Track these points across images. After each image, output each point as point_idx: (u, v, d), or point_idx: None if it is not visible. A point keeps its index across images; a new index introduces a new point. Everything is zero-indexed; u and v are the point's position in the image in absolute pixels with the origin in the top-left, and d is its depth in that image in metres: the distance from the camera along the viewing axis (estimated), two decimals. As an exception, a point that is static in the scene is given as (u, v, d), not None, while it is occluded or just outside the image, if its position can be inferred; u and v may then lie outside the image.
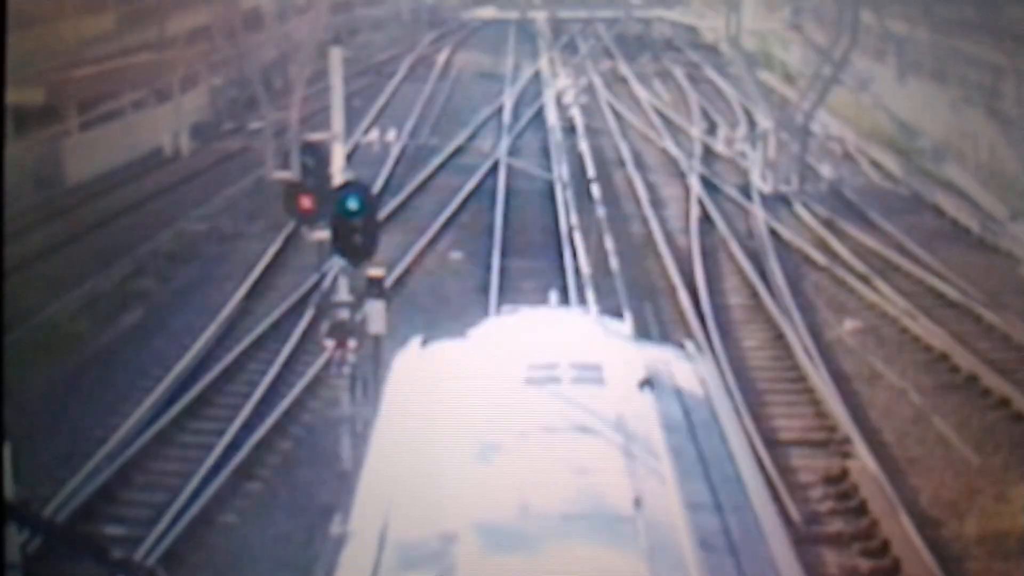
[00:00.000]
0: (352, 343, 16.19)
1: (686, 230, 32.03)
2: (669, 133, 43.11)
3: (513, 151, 40.58)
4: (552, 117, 45.12)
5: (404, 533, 8.35)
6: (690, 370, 10.79)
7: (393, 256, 27.29)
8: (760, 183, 35.05)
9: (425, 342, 11.70)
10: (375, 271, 16.19)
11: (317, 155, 17.01)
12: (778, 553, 8.36)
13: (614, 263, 27.42)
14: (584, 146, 40.72)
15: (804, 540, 16.84)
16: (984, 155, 36.83)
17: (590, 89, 50.79)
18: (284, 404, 21.44)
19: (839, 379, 22.67)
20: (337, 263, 16.07)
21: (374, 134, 31.33)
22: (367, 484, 9.28)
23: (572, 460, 8.65)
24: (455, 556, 7.79)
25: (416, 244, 29.91)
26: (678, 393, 10.13)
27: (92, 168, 36.68)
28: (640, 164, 39.35)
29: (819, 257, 29.94)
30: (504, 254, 29.36)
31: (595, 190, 33.48)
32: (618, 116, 46.58)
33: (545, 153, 40.56)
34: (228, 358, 23.47)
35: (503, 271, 28.11)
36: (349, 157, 19.28)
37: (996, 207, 33.47)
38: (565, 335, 11.41)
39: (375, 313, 16.10)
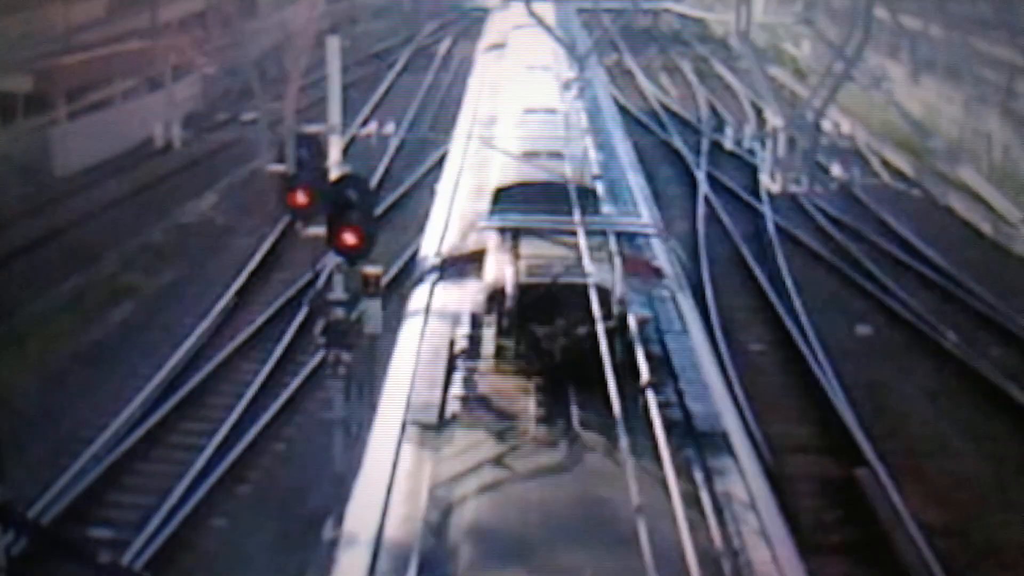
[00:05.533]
0: (347, 343, 15.54)
1: (692, 230, 31.43)
2: (676, 129, 42.54)
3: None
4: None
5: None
6: None
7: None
8: (769, 182, 34.42)
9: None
10: (372, 269, 15.53)
11: (313, 148, 16.53)
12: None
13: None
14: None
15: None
16: (998, 156, 36.44)
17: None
18: (276, 405, 21.20)
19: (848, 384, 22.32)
20: (333, 260, 15.48)
21: (372, 127, 30.73)
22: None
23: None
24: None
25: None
26: None
27: (81, 159, 36.27)
28: (644, 160, 38.65)
29: (830, 259, 29.67)
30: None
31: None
32: (623, 110, 45.86)
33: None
34: (219, 356, 23.21)
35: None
36: (346, 150, 18.68)
37: (1010, 209, 33.07)
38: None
39: (371, 312, 15.49)
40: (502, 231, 12.90)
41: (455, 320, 11.83)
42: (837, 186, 32.33)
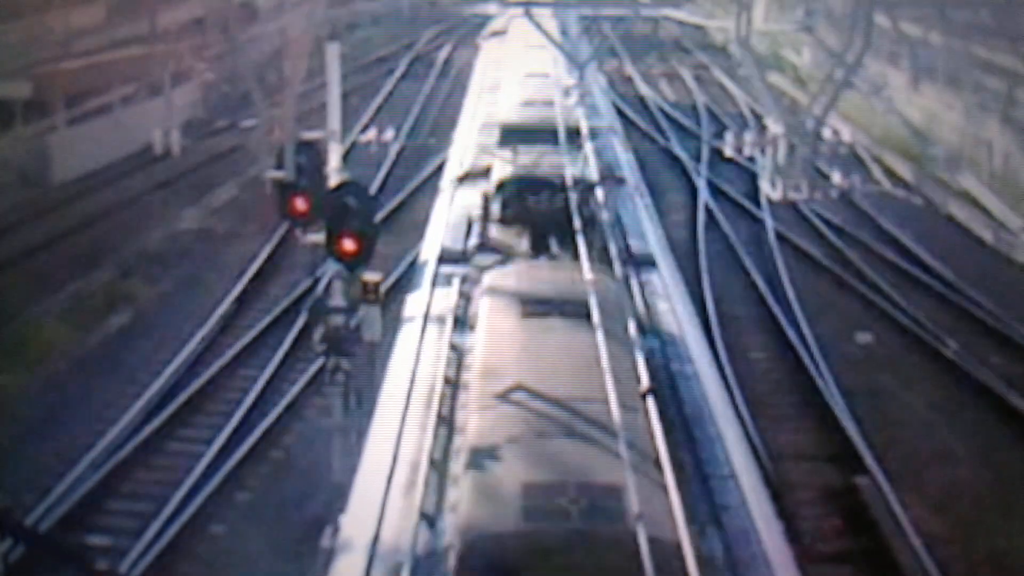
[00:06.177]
0: (346, 350, 15.50)
1: (693, 237, 31.40)
2: (676, 136, 42.50)
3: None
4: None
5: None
6: None
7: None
8: (769, 189, 34.38)
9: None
10: (371, 276, 15.47)
11: (312, 154, 16.46)
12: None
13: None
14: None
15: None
16: (999, 163, 36.39)
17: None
18: (275, 412, 21.20)
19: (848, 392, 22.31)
20: (332, 267, 15.41)
21: (371, 133, 30.72)
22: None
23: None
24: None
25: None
26: None
27: (80, 165, 36.21)
28: (644, 168, 38.63)
29: (830, 266, 29.64)
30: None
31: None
32: (623, 116, 45.85)
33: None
34: (218, 364, 23.18)
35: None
36: (345, 157, 18.63)
37: (1010, 217, 33.02)
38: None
39: (370, 319, 15.43)
40: (506, 148, 18.55)
41: (472, 202, 16.80)
42: (837, 193, 32.31)
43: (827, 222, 33.05)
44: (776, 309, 26.30)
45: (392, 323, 14.22)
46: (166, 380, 22.34)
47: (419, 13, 67.64)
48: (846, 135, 39.58)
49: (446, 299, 13.41)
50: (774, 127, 35.84)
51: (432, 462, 9.46)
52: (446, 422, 10.25)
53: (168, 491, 18.42)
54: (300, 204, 15.93)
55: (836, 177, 35.20)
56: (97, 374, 22.92)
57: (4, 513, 7.56)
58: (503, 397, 9.96)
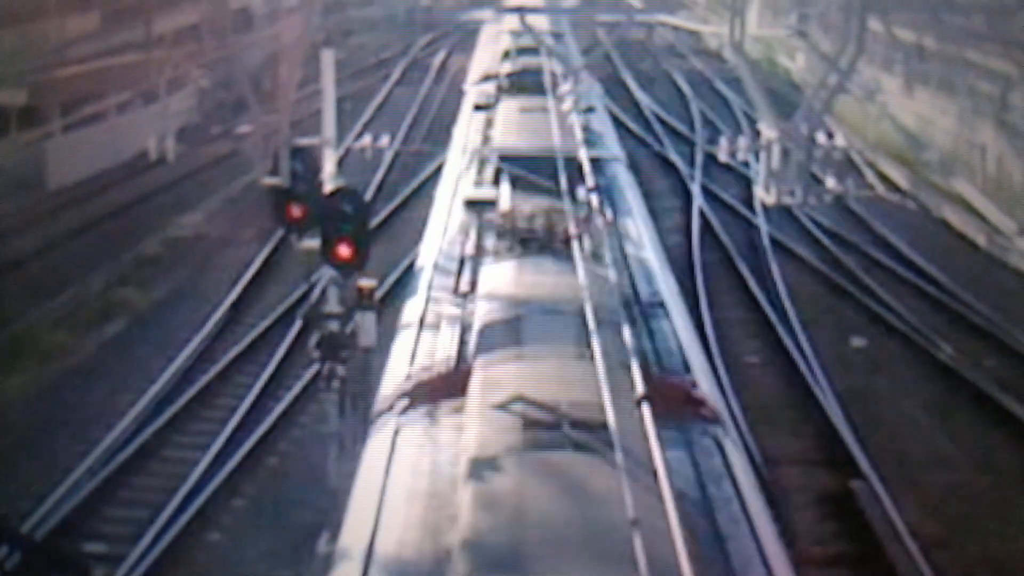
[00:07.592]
0: (342, 356, 15.49)
1: (687, 243, 31.40)
2: (670, 141, 42.51)
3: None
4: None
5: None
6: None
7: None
8: (763, 194, 34.38)
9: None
10: (366, 282, 15.47)
11: (307, 161, 16.48)
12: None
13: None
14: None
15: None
16: (992, 167, 36.41)
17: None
18: (271, 418, 21.18)
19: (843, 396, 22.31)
20: (327, 273, 15.41)
21: (366, 140, 30.75)
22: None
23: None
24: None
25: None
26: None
27: (75, 172, 36.13)
28: (638, 171, 38.62)
29: (825, 270, 29.65)
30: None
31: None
32: (618, 123, 45.80)
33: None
34: (214, 370, 23.18)
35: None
36: (340, 163, 18.64)
37: (1004, 221, 33.02)
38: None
39: (366, 325, 15.43)
40: (507, 61, 29.81)
41: (488, 89, 26.11)
42: (832, 198, 32.37)
43: (821, 226, 33.06)
44: (770, 313, 26.31)
45: (388, 329, 14.21)
46: (162, 386, 22.34)
47: (414, 19, 67.68)
48: (840, 140, 39.69)
49: (479, 116, 23.27)
50: (768, 132, 35.86)
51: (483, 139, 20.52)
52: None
53: (164, 498, 18.39)
54: (295, 210, 15.96)
55: (830, 182, 35.20)
56: (93, 380, 22.93)
57: (0, 520, 7.54)
58: (507, 124, 21.01)
